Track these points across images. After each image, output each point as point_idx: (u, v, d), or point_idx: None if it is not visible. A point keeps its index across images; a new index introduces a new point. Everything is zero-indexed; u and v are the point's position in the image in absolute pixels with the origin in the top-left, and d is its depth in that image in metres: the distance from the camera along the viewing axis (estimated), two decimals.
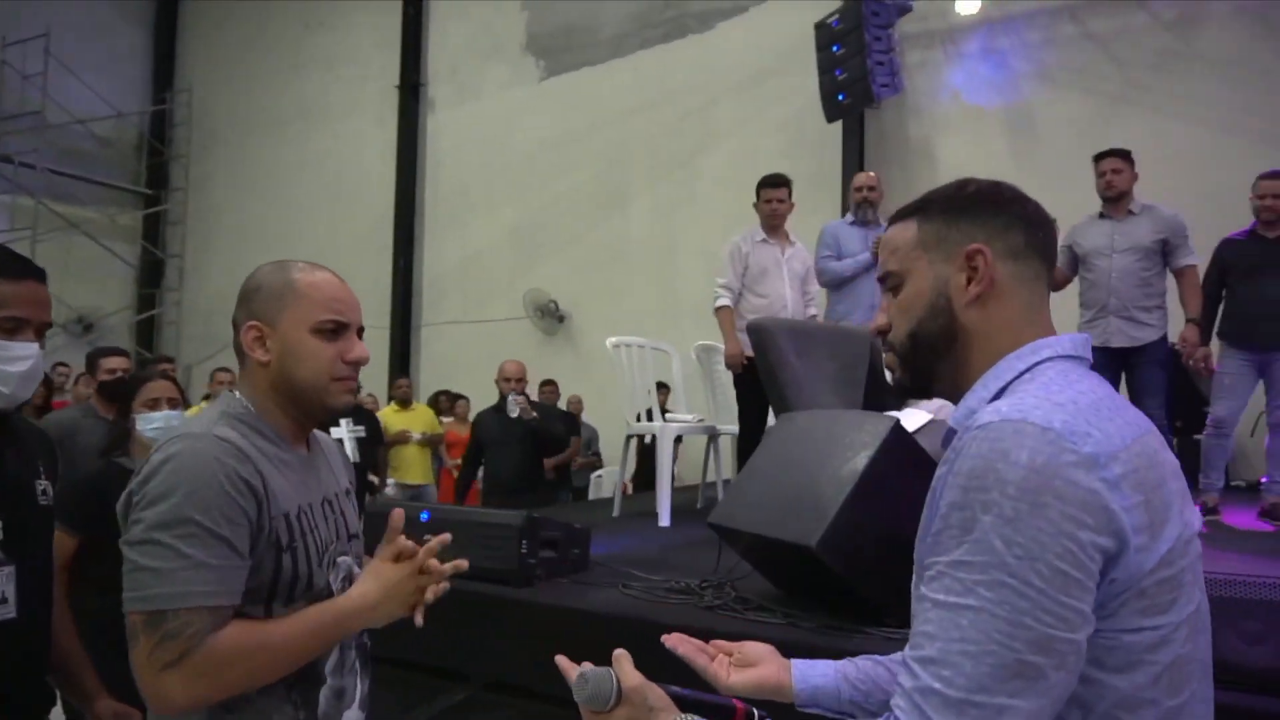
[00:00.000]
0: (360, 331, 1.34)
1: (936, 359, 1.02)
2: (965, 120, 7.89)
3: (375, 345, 4.37)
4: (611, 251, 9.74)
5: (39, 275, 1.42)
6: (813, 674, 1.20)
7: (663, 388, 4.59)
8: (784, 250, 4.46)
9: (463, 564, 1.33)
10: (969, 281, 0.99)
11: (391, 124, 11.18)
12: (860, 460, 2.18)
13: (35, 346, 1.40)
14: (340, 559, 1.35)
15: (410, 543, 1.28)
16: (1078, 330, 4.18)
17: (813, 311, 4.59)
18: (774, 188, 4.41)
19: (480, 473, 5.31)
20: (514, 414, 4.99)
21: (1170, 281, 4.10)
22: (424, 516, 2.92)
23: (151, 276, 13.22)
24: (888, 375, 3.84)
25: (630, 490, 6.99)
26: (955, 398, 1.02)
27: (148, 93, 13.41)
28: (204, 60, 13.33)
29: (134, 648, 1.13)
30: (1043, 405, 0.85)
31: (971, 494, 0.82)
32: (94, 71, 12.22)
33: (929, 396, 1.07)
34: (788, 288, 4.38)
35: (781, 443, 2.53)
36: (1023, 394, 0.90)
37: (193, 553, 1.12)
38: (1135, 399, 4.07)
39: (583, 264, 9.87)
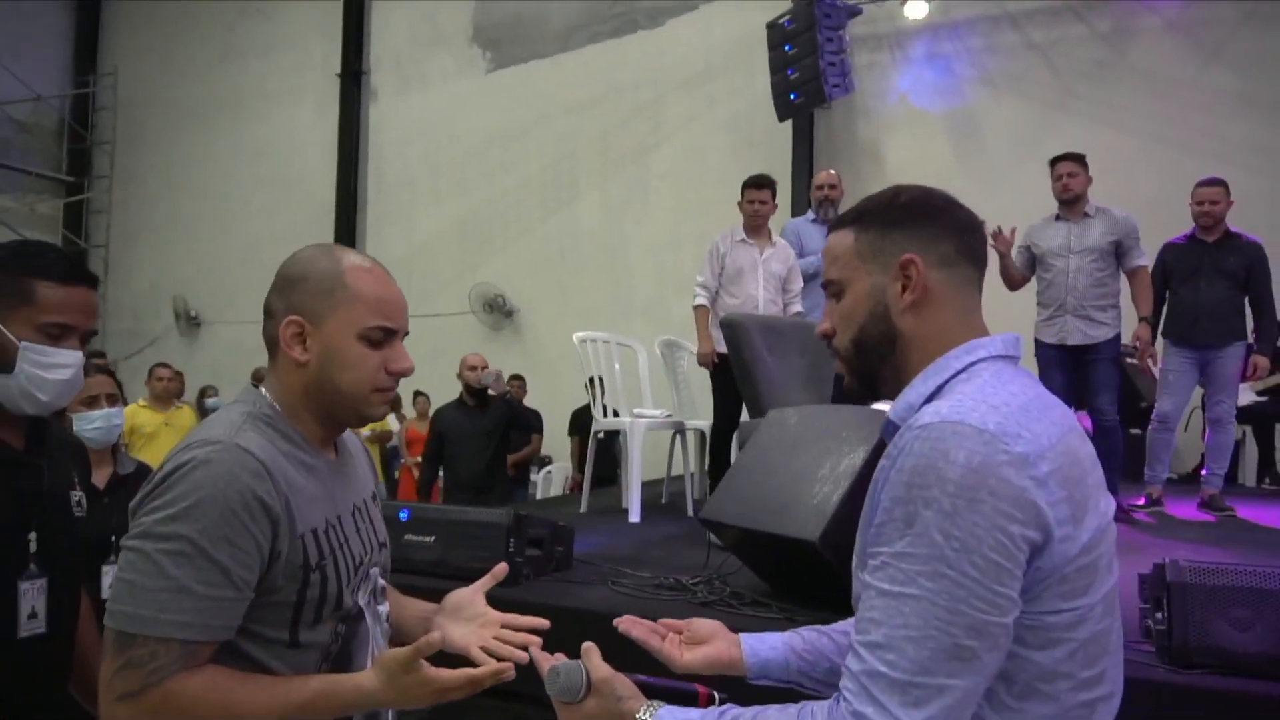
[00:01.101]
0: (404, 336, 1.24)
1: (879, 364, 1.08)
2: (911, 122, 8.05)
3: None
4: (560, 247, 9.68)
5: (91, 281, 1.35)
6: (762, 647, 1.27)
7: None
8: (763, 251, 4.47)
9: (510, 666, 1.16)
10: (904, 290, 1.05)
11: (332, 114, 10.88)
12: (858, 456, 2.21)
13: (79, 355, 1.33)
14: (371, 571, 1.26)
15: (437, 672, 1.09)
16: (1035, 327, 4.32)
17: (796, 309, 4.57)
18: (757, 189, 4.42)
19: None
20: (488, 383, 4.94)
21: (1123, 281, 4.25)
22: (404, 515, 2.86)
23: None
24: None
25: (576, 487, 6.95)
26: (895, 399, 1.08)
27: (69, 75, 12.80)
28: (130, 42, 12.78)
29: (103, 662, 1.03)
30: (979, 407, 0.92)
31: (914, 490, 0.88)
32: (10, 52, 11.59)
33: (876, 398, 1.12)
34: (761, 289, 4.38)
35: (774, 439, 2.54)
36: (960, 395, 0.96)
37: (177, 574, 1.00)
38: (1089, 394, 4.22)
39: (531, 259, 9.78)
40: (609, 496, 4.88)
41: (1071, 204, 4.22)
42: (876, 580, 0.90)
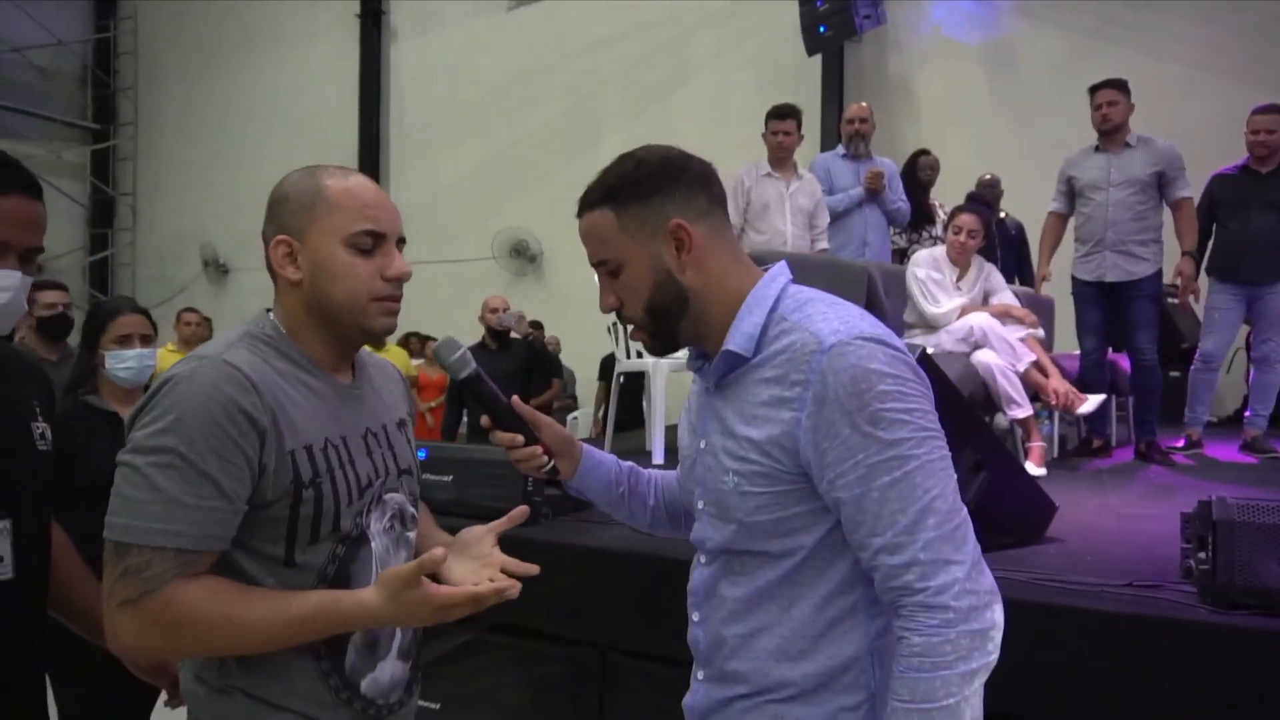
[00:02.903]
0: (401, 243, 1.21)
1: (677, 321, 1.16)
2: (945, 55, 7.77)
3: None
4: (584, 190, 9.51)
5: (31, 189, 1.20)
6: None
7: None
8: (789, 184, 4.32)
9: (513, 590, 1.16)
10: (679, 251, 1.13)
11: (352, 54, 10.73)
12: None
13: (17, 275, 1.20)
14: (388, 495, 1.24)
15: (439, 589, 1.08)
16: (1072, 264, 4.17)
17: (822, 245, 4.43)
18: (781, 119, 4.27)
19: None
20: (509, 325, 4.90)
21: (1166, 215, 4.07)
22: (421, 455, 2.83)
23: (103, 216, 12.70)
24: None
25: (602, 430, 6.93)
26: (701, 342, 1.18)
27: (89, 20, 12.72)
28: None
29: (105, 571, 1.06)
30: (855, 320, 1.06)
31: (864, 397, 1.00)
32: None
33: (676, 351, 1.22)
34: (789, 224, 4.25)
35: None
36: (825, 315, 1.07)
37: (167, 486, 1.03)
38: (1127, 333, 4.07)
39: (554, 202, 9.54)
40: (633, 439, 4.83)
41: (1111, 134, 4.02)
42: (870, 484, 1.00)
